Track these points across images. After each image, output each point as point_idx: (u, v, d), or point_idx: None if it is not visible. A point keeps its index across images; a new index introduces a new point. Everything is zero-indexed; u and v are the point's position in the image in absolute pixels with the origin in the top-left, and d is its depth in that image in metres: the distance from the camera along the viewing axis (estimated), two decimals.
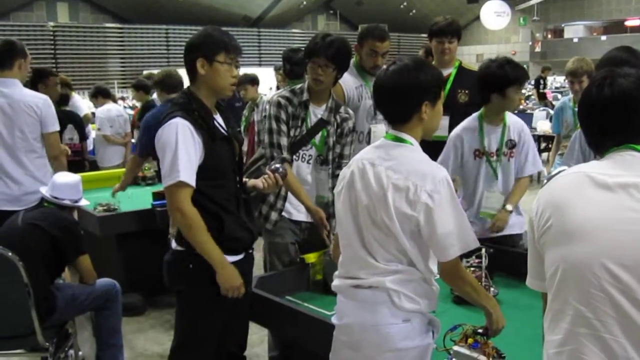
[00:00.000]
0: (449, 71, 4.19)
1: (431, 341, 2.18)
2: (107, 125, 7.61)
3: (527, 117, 10.98)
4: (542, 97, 15.21)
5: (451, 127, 4.15)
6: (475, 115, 3.53)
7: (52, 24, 25.29)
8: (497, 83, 3.34)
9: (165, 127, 2.54)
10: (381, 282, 2.09)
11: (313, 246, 3.31)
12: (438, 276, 2.22)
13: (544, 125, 9.93)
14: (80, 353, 3.78)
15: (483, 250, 2.89)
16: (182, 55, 2.71)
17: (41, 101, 4.19)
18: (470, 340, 2.19)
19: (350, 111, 3.53)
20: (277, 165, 2.89)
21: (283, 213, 3.40)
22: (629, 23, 37.08)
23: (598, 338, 1.47)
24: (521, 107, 14.36)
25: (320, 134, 3.38)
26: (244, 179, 2.90)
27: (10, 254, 3.18)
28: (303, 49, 3.60)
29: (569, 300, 1.53)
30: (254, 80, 6.86)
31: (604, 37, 35.42)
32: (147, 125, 4.85)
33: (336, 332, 2.26)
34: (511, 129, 3.50)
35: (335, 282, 2.27)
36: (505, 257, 3.18)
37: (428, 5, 35.43)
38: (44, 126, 4.18)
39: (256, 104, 6.62)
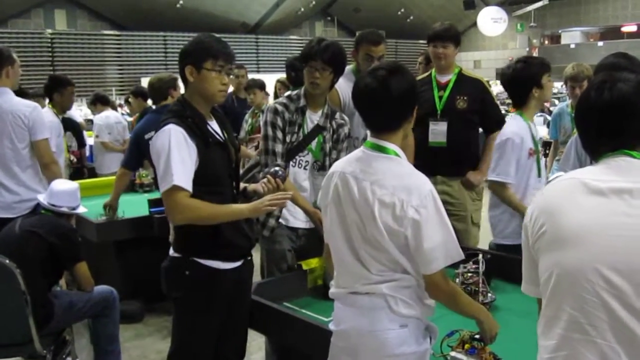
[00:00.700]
0: (449, 77, 4.21)
1: (428, 347, 2.18)
2: (105, 132, 7.62)
3: None
4: None
5: (449, 133, 4.17)
6: (517, 116, 3.53)
7: (49, 31, 25.32)
8: (533, 76, 3.38)
9: (159, 133, 2.57)
10: (377, 289, 2.09)
11: (310, 252, 3.32)
12: None
13: (541, 131, 9.92)
14: None
15: (480, 256, 2.89)
16: None
17: (29, 109, 4.12)
18: (467, 346, 2.19)
19: (346, 117, 3.55)
20: (276, 169, 2.88)
21: (280, 220, 3.41)
22: (626, 29, 37.19)
23: (592, 343, 1.48)
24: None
25: (316, 140, 3.39)
26: (244, 185, 2.91)
27: (7, 261, 3.18)
28: None
29: (562, 305, 1.54)
30: (262, 86, 6.89)
31: (600, 43, 35.53)
32: (135, 138, 4.82)
33: (334, 339, 2.26)
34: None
35: (332, 290, 2.27)
36: (502, 263, 3.18)
37: (426, 11, 35.52)
38: (32, 134, 4.10)
39: (262, 110, 6.62)
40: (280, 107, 3.36)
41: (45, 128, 4.21)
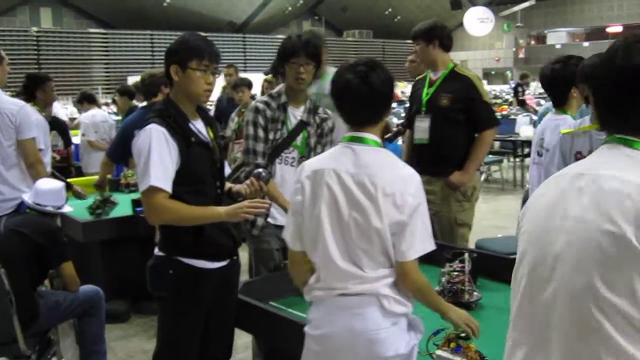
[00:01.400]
0: (440, 74, 4.23)
1: (417, 342, 2.19)
2: (91, 131, 7.59)
3: (510, 123, 11.07)
4: (521, 104, 15.32)
5: (431, 130, 4.19)
6: (565, 116, 3.53)
7: (35, 29, 25.17)
8: (572, 76, 3.37)
9: (140, 133, 2.57)
10: (372, 288, 2.09)
11: None
12: None
13: (527, 131, 10.00)
14: None
15: (466, 254, 2.91)
16: None
17: (17, 108, 4.10)
18: (452, 345, 2.20)
19: (329, 111, 3.55)
20: (259, 170, 2.87)
21: (269, 219, 3.41)
22: (611, 29, 37.49)
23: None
24: (505, 112, 14.47)
25: (301, 135, 3.40)
26: (230, 185, 2.90)
27: None
28: None
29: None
30: (250, 85, 6.89)
31: (586, 44, 35.81)
32: (123, 131, 4.86)
33: (309, 343, 2.21)
34: None
35: (316, 293, 2.20)
36: (488, 262, 3.20)
37: (413, 11, 35.63)
38: (19, 133, 4.08)
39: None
40: (261, 106, 3.36)
41: (33, 127, 4.18)
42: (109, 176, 5.50)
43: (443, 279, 2.87)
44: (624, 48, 1.44)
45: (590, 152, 3.10)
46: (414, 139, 4.35)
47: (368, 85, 2.12)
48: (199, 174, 2.64)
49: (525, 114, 12.74)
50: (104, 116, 8.03)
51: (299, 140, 3.40)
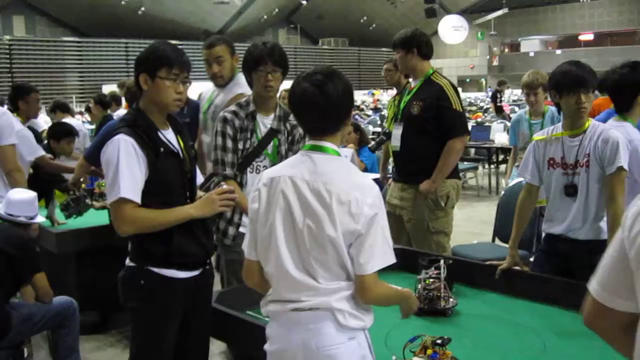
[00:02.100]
0: (417, 82, 4.27)
1: (373, 357, 2.13)
2: None
3: (485, 130, 11.17)
4: (499, 110, 15.47)
5: (402, 138, 4.23)
6: (625, 123, 3.42)
7: (7, 37, 24.88)
8: (639, 82, 3.39)
9: (108, 144, 2.54)
10: (326, 303, 2.03)
11: None
12: None
13: (501, 138, 10.09)
14: None
15: (442, 261, 2.92)
16: None
17: None
18: (429, 351, 2.21)
19: None
20: (222, 184, 2.87)
21: (240, 228, 3.39)
22: (583, 37, 38.08)
23: None
24: (479, 119, 14.59)
25: (272, 143, 3.39)
26: (201, 194, 2.88)
27: None
28: None
29: None
30: None
31: (558, 51, 36.32)
32: (104, 137, 4.81)
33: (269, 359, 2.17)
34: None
35: (271, 307, 2.15)
36: (463, 268, 3.22)
37: (388, 19, 35.86)
38: (0, 138, 4.06)
39: None
40: (229, 116, 3.35)
41: (13, 134, 4.15)
42: (83, 186, 5.44)
43: (419, 286, 2.87)
44: None
45: (562, 158, 3.16)
46: (390, 146, 4.40)
47: (325, 94, 2.07)
48: (168, 184, 2.62)
49: (500, 120, 12.87)
50: (78, 125, 7.94)
51: (269, 148, 3.39)
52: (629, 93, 3.43)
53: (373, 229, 2.02)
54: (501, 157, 10.59)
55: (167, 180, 2.61)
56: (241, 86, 3.92)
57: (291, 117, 3.47)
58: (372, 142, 4.71)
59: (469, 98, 27.10)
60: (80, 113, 16.01)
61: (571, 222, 3.13)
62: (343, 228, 2.00)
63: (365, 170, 6.82)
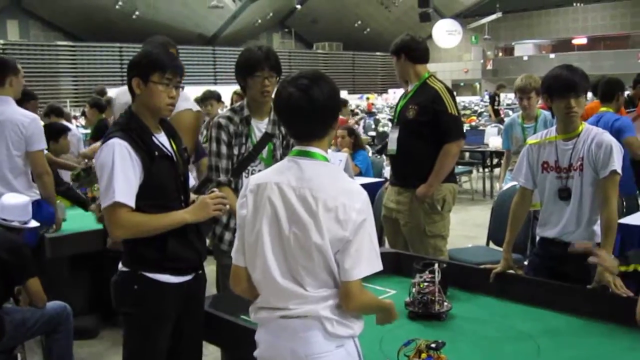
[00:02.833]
0: (413, 86, 4.29)
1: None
2: None
3: (479, 134, 11.19)
4: (496, 113, 15.50)
5: (398, 142, 4.24)
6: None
7: (1, 41, 24.85)
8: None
9: (103, 148, 2.53)
10: (314, 311, 2.00)
11: None
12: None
13: (495, 141, 10.10)
14: None
15: (436, 265, 2.92)
16: None
17: (28, 120, 4.25)
18: (423, 355, 2.20)
19: None
20: (214, 190, 2.87)
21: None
22: (576, 41, 38.22)
23: None
24: (473, 123, 14.61)
25: (267, 148, 3.39)
26: (194, 197, 2.87)
27: None
28: None
29: None
30: (219, 97, 6.87)
31: (552, 55, 36.43)
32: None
33: None
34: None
35: (260, 315, 2.13)
36: (458, 272, 3.22)
37: (382, 23, 35.91)
38: (28, 144, 4.21)
39: None
40: (224, 121, 3.35)
41: (43, 140, 4.34)
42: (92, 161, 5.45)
43: (413, 290, 2.87)
44: None
45: (556, 162, 3.17)
46: (387, 150, 4.44)
47: (310, 98, 2.04)
48: (162, 188, 2.62)
49: (494, 124, 12.89)
50: (72, 130, 7.92)
51: (265, 152, 3.39)
52: None
53: (360, 235, 1.98)
54: (495, 160, 10.62)
55: (162, 183, 2.61)
56: (187, 101, 3.85)
57: None
58: (368, 147, 4.74)
59: (464, 102, 27.16)
60: (75, 117, 15.96)
61: (565, 226, 3.14)
62: (330, 235, 1.97)
63: (360, 174, 6.83)
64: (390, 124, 14.69)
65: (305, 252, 1.99)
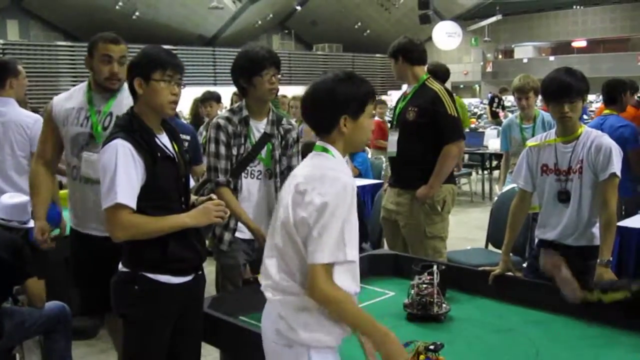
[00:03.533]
0: (411, 88, 4.31)
1: None
2: None
3: (479, 136, 11.20)
4: (494, 116, 15.47)
5: (399, 144, 4.25)
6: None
7: (1, 41, 24.82)
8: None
9: (105, 148, 2.53)
10: (275, 303, 2.15)
11: None
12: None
13: (495, 143, 10.10)
14: None
15: (435, 267, 2.92)
16: None
17: (32, 121, 4.28)
18: (422, 357, 2.20)
19: (293, 122, 3.60)
20: (211, 195, 2.88)
21: (236, 233, 3.39)
22: (576, 44, 38.23)
23: None
24: (473, 125, 14.60)
25: (265, 148, 3.40)
26: (194, 198, 2.87)
27: None
28: None
29: None
30: (219, 98, 6.87)
31: (552, 58, 36.42)
32: None
33: None
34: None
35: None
36: (457, 274, 3.22)
37: (382, 25, 35.91)
38: (32, 145, 4.19)
39: None
40: (222, 122, 3.37)
41: None
42: None
43: (412, 292, 2.87)
44: None
45: (555, 164, 3.17)
46: (387, 153, 4.47)
47: (311, 90, 2.17)
48: (164, 190, 2.62)
49: (493, 126, 12.88)
50: None
51: (263, 153, 3.40)
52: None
53: (324, 220, 1.98)
54: (495, 162, 10.62)
55: (163, 185, 2.61)
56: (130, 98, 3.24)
57: (284, 121, 3.49)
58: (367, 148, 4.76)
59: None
60: None
61: (564, 228, 3.14)
62: (295, 215, 2.05)
63: (360, 175, 6.83)
64: (389, 126, 14.67)
65: (279, 233, 2.12)
